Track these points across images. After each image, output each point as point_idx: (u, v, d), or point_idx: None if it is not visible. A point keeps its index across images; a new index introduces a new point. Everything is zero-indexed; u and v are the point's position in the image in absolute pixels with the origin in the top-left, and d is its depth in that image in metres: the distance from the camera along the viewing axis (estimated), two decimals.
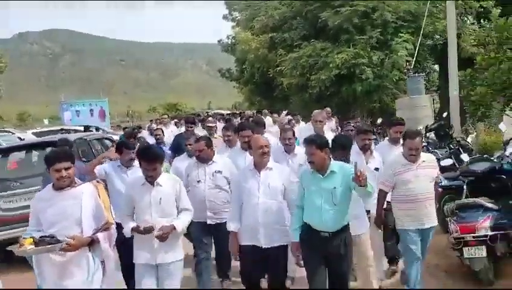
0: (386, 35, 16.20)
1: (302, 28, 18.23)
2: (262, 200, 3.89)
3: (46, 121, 48.89)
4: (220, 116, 18.21)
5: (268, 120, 12.01)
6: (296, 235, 3.79)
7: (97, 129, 19.04)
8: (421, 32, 14.33)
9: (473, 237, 4.54)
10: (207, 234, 4.75)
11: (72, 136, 8.48)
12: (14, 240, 3.50)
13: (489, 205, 4.78)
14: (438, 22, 16.03)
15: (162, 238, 3.65)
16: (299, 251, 3.82)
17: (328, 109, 10.91)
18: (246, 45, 20.81)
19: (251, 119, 10.27)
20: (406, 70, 14.19)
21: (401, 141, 4.94)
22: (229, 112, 33.09)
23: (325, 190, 3.63)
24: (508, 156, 5.73)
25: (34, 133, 19.18)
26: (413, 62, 14.39)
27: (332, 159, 3.84)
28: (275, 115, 15.22)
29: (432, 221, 4.35)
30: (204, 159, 4.70)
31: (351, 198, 3.71)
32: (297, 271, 4.69)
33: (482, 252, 4.52)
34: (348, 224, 3.75)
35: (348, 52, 15.96)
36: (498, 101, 8.49)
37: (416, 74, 13.82)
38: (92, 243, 3.34)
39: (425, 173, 4.31)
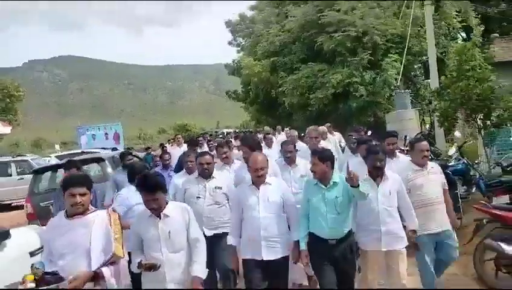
0: (376, 56, 17.98)
1: (301, 52, 19.95)
2: (263, 215, 4.00)
3: (57, 147, 50.82)
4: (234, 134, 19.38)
5: (282, 135, 12.71)
6: (303, 244, 3.94)
7: (129, 148, 20.59)
8: (405, 52, 16.05)
9: None
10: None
11: (107, 154, 10.36)
12: None
13: None
14: (424, 42, 17.79)
15: None
16: (307, 258, 3.96)
17: (328, 124, 11.25)
18: (250, 70, 22.63)
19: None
20: (393, 88, 15.92)
21: (397, 154, 5.34)
22: (236, 130, 34.80)
23: (329, 200, 3.86)
24: (451, 157, 7.42)
25: (57, 157, 21.08)
26: (400, 80, 16.11)
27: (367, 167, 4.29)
28: (286, 130, 15.41)
29: (446, 224, 4.52)
30: (208, 174, 4.72)
31: (351, 206, 3.98)
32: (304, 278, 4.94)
33: None
34: (351, 230, 3.97)
35: (342, 73, 17.78)
36: (461, 113, 10.12)
37: (403, 91, 15.51)
38: (96, 278, 3.11)
39: (435, 178, 4.59)
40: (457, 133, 9.25)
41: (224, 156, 5.67)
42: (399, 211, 4.26)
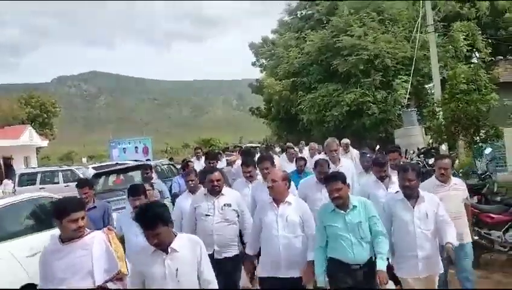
0: (387, 77, 19.68)
1: (318, 73, 21.71)
2: (282, 234, 3.98)
3: (84, 160, 53.51)
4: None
5: (306, 151, 12.52)
6: (322, 279, 3.83)
7: (171, 159, 22.50)
8: (411, 73, 17.72)
9: None
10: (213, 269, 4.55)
11: (151, 163, 12.34)
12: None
13: None
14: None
15: None
16: None
17: (346, 141, 10.84)
18: (271, 89, 24.57)
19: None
20: (400, 107, 17.57)
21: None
22: (261, 144, 36.51)
23: (352, 225, 3.73)
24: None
25: (93, 168, 23.31)
26: (408, 99, 17.74)
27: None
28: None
29: (465, 238, 4.68)
30: (217, 191, 4.62)
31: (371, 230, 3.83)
32: None
33: None
34: (375, 255, 3.79)
35: (356, 92, 19.53)
36: (452, 131, 11.74)
37: (410, 109, 17.13)
38: None
39: (456, 194, 4.73)
40: (443, 147, 10.88)
41: (248, 174, 5.61)
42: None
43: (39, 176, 18.65)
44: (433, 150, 13.85)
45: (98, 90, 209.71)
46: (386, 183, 4.94)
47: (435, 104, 12.59)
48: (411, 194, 4.04)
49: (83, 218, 3.08)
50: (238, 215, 4.65)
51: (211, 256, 4.20)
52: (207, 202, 4.62)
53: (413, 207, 4.02)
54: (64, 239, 3.09)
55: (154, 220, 2.94)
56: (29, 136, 35.06)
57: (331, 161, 6.00)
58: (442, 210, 4.09)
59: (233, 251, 4.60)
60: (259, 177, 5.61)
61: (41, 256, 3.20)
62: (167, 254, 3.02)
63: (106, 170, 11.83)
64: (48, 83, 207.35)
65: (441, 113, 11.88)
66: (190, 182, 5.34)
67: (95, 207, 5.35)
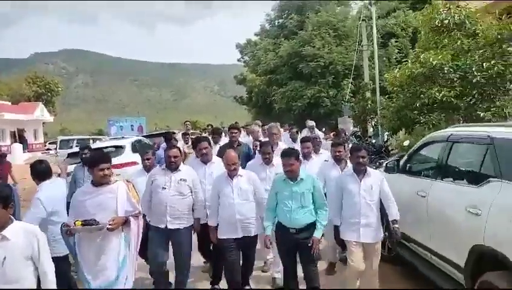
0: (338, 80, 27.32)
1: (288, 72, 28.98)
2: (237, 201, 4.87)
3: (60, 139, 59.00)
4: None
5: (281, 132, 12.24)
6: (268, 230, 4.72)
7: (174, 132, 29.07)
8: (351, 77, 25.44)
9: None
10: (164, 240, 5.11)
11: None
12: None
13: None
14: (370, 71, 27.05)
15: None
16: (270, 242, 4.77)
17: (311, 123, 12.85)
18: (252, 82, 32.06)
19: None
20: (342, 102, 25.36)
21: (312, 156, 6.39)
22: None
23: (296, 194, 4.50)
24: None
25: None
26: (348, 96, 25.43)
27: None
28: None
29: None
30: (174, 167, 5.06)
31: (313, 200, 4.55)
32: (271, 255, 5.79)
33: None
34: (315, 222, 4.54)
35: (314, 89, 27.06)
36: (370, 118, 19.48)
37: (347, 103, 24.78)
38: (125, 223, 4.08)
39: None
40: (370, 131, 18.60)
41: (204, 151, 5.76)
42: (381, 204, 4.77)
43: (74, 141, 25.82)
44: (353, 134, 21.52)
45: (76, 68, 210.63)
46: (343, 167, 5.58)
47: (353, 102, 20.40)
48: (361, 170, 4.69)
49: (108, 168, 4.04)
50: (191, 191, 5.10)
51: (164, 228, 5.02)
52: (165, 176, 5.06)
53: (360, 181, 4.67)
54: (95, 184, 4.09)
55: None
56: (41, 112, 41.69)
57: (271, 143, 6.37)
58: (386, 186, 4.77)
59: (184, 223, 5.08)
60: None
61: (75, 196, 4.16)
62: None
63: (151, 133, 19.13)
64: (24, 59, 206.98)
65: (357, 107, 19.66)
66: (146, 161, 5.74)
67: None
